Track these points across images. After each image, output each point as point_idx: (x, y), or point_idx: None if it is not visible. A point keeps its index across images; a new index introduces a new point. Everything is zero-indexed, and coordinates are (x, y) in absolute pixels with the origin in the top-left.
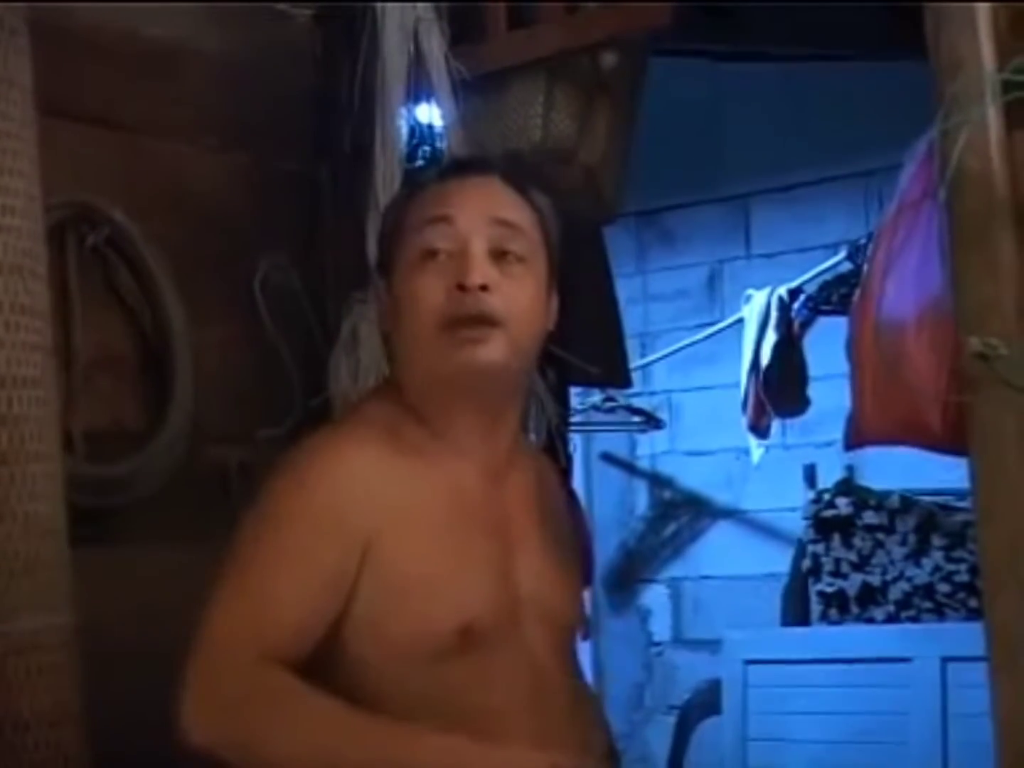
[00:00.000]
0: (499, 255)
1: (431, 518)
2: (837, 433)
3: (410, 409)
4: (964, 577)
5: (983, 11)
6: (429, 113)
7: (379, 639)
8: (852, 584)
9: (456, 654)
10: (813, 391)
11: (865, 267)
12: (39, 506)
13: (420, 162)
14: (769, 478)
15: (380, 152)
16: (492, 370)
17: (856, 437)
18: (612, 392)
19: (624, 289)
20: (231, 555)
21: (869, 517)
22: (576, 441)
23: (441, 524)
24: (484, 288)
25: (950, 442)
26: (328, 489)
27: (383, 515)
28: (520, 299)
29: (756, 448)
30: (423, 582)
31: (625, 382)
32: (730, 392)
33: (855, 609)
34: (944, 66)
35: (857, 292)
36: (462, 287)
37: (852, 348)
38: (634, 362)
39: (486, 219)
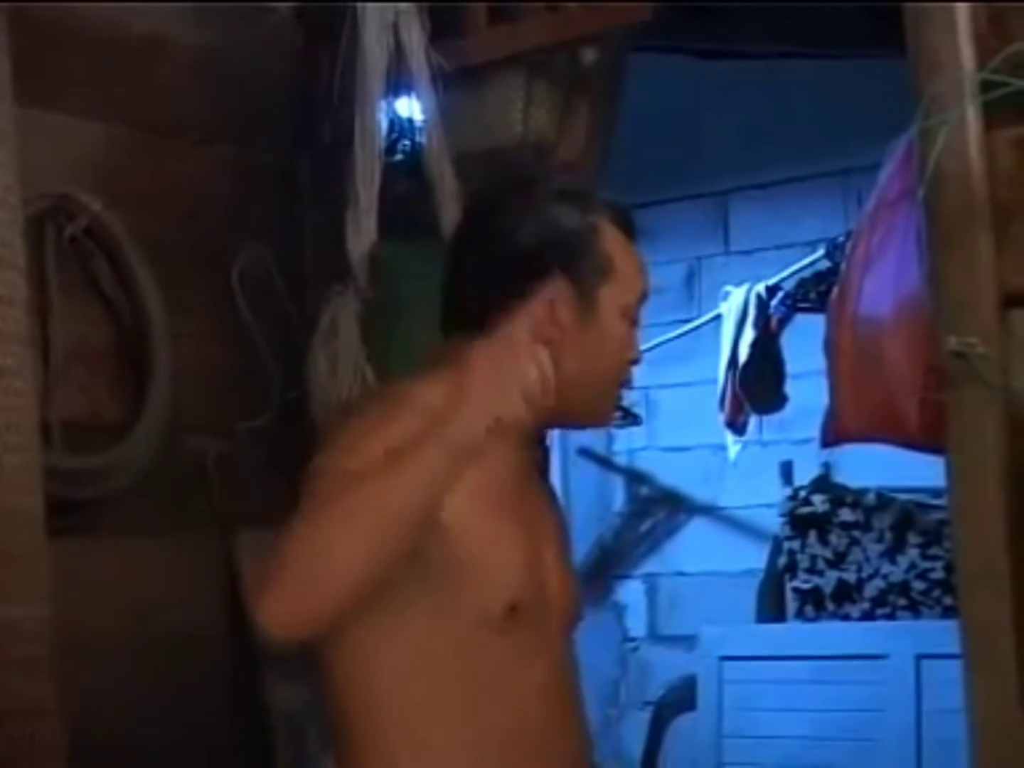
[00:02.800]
0: None
1: (477, 500)
2: (814, 430)
3: None
4: (939, 575)
5: (963, 10)
6: (409, 107)
7: (434, 614)
8: (828, 581)
9: (500, 632)
10: (790, 388)
11: (843, 265)
12: (16, 497)
13: (400, 156)
14: (746, 475)
15: (360, 146)
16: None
17: (833, 434)
18: None
19: None
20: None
21: (845, 514)
22: (553, 436)
23: (485, 508)
24: None
25: (927, 440)
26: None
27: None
28: None
29: (733, 445)
30: (476, 558)
31: None
32: (707, 388)
33: (831, 606)
34: (923, 65)
35: (835, 290)
36: (634, 361)
37: (830, 346)
38: None
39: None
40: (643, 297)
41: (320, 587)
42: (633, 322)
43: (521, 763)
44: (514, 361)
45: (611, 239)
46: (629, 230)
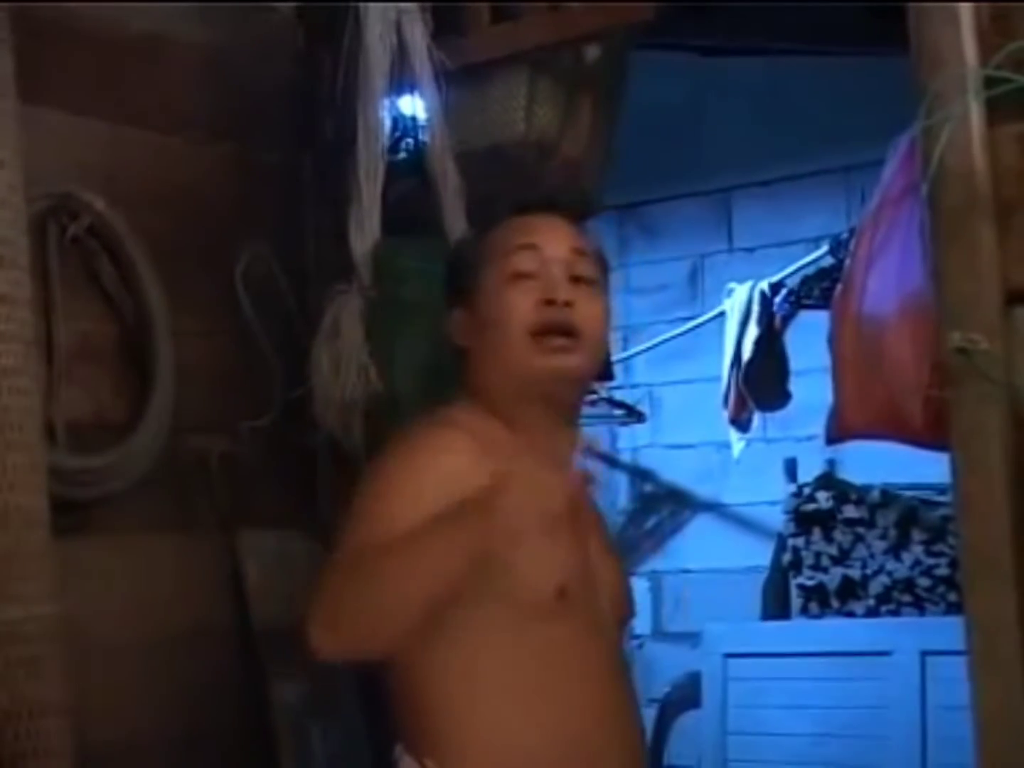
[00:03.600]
0: (575, 279)
1: None
2: (818, 427)
3: (490, 413)
4: (944, 571)
5: (965, 7)
6: (412, 105)
7: (490, 603)
8: (832, 578)
9: (553, 615)
10: (794, 385)
11: (847, 262)
12: (21, 497)
13: (402, 154)
14: (750, 472)
15: (363, 143)
16: (572, 375)
17: (838, 431)
18: (593, 385)
19: None
20: (349, 525)
21: (849, 511)
22: None
23: None
24: (568, 304)
25: (931, 436)
26: (431, 471)
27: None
28: (593, 315)
29: (737, 442)
30: (524, 549)
31: (607, 376)
32: (711, 386)
33: (835, 603)
34: (926, 62)
35: (839, 287)
36: (550, 302)
37: (834, 343)
38: (616, 355)
39: (566, 248)
40: (527, 246)
41: (361, 630)
42: (527, 275)
43: (588, 743)
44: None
45: (496, 234)
46: (534, 208)
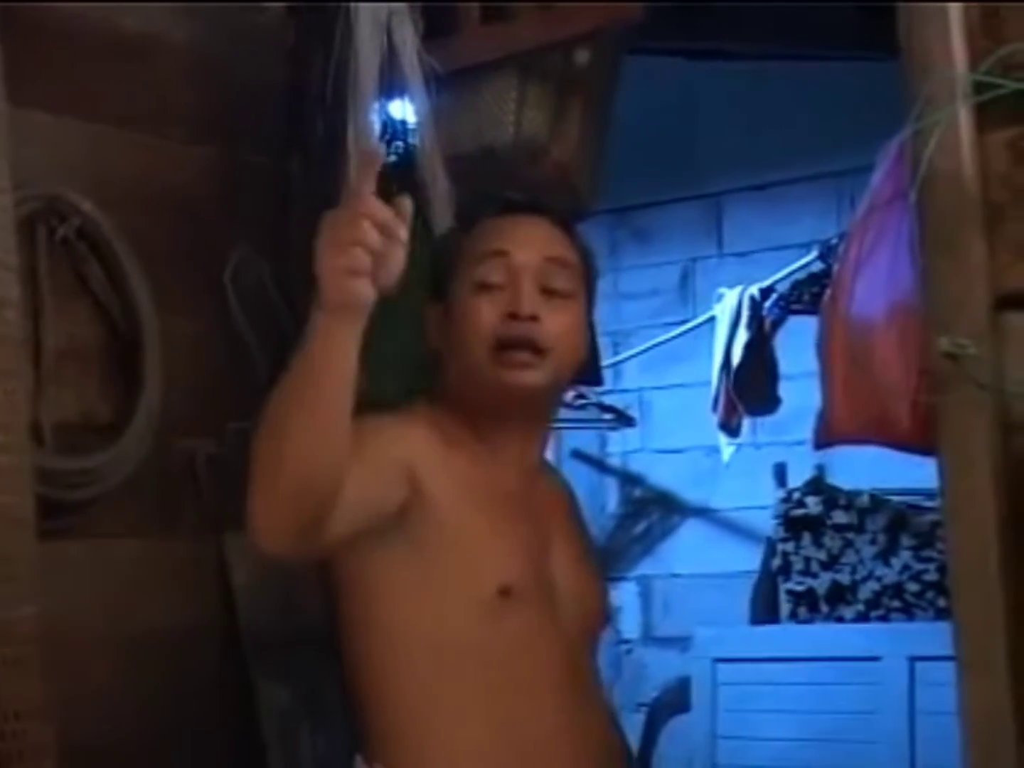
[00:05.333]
0: (547, 290)
1: (472, 496)
2: (808, 432)
3: (457, 414)
4: (933, 576)
5: (956, 12)
6: (402, 109)
7: (429, 593)
8: (821, 583)
9: (498, 615)
10: (784, 390)
11: (836, 267)
12: (6, 498)
13: (392, 157)
14: (739, 476)
15: (352, 146)
16: (534, 391)
17: (826, 436)
18: (583, 389)
19: None
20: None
21: (839, 516)
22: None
23: (482, 502)
24: (534, 318)
25: (919, 441)
26: (378, 437)
27: (427, 469)
28: (563, 329)
29: (726, 446)
30: (467, 541)
31: (596, 380)
32: (701, 390)
33: (824, 608)
34: (916, 66)
35: (828, 291)
36: (514, 315)
37: (822, 347)
38: (606, 360)
39: (538, 257)
40: (497, 253)
41: (283, 481)
42: (495, 284)
43: (539, 751)
44: (346, 218)
45: (473, 234)
46: (509, 209)
